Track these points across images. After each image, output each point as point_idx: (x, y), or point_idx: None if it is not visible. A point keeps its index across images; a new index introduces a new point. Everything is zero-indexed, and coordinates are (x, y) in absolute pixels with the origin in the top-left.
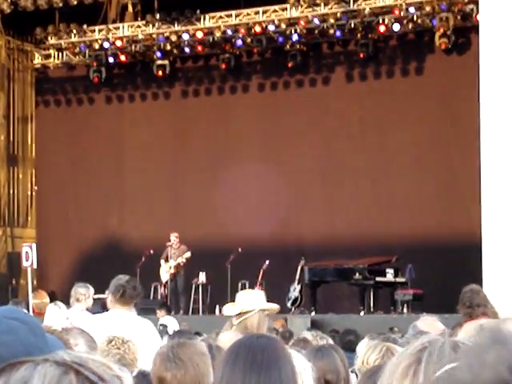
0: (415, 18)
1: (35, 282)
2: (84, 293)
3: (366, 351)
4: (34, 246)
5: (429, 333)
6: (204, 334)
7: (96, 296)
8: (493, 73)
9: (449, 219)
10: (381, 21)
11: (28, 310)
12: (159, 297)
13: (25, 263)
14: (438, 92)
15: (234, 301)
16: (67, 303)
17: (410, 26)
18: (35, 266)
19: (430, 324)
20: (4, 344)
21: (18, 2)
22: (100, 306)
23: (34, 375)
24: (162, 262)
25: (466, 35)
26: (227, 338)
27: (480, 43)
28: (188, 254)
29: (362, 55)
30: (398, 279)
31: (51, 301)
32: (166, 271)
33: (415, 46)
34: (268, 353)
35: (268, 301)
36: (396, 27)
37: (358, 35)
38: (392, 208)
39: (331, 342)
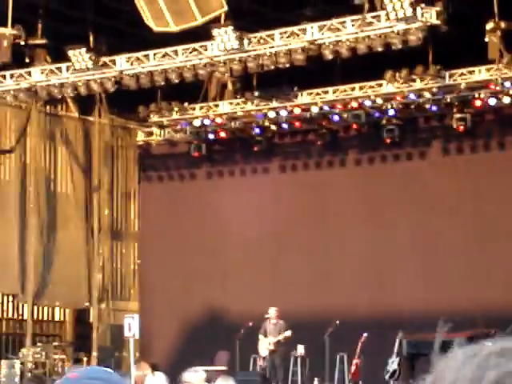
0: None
1: (138, 354)
2: (189, 381)
3: None
4: (136, 316)
5: None
6: None
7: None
8: None
9: None
10: (476, 95)
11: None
12: (258, 369)
13: (127, 333)
14: None
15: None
16: (168, 374)
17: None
18: (137, 337)
19: None
20: None
21: (122, 81)
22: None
23: None
24: (261, 336)
25: None
26: None
27: None
28: (289, 333)
29: (460, 129)
30: None
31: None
32: (265, 347)
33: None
34: None
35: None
36: (492, 101)
37: (454, 109)
38: (488, 280)
39: None
